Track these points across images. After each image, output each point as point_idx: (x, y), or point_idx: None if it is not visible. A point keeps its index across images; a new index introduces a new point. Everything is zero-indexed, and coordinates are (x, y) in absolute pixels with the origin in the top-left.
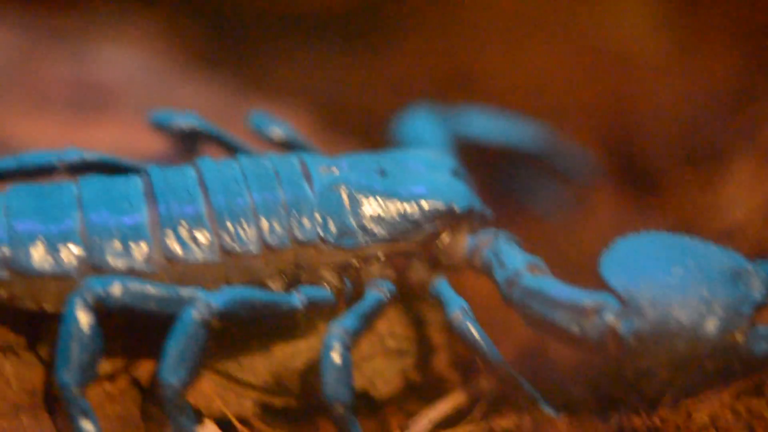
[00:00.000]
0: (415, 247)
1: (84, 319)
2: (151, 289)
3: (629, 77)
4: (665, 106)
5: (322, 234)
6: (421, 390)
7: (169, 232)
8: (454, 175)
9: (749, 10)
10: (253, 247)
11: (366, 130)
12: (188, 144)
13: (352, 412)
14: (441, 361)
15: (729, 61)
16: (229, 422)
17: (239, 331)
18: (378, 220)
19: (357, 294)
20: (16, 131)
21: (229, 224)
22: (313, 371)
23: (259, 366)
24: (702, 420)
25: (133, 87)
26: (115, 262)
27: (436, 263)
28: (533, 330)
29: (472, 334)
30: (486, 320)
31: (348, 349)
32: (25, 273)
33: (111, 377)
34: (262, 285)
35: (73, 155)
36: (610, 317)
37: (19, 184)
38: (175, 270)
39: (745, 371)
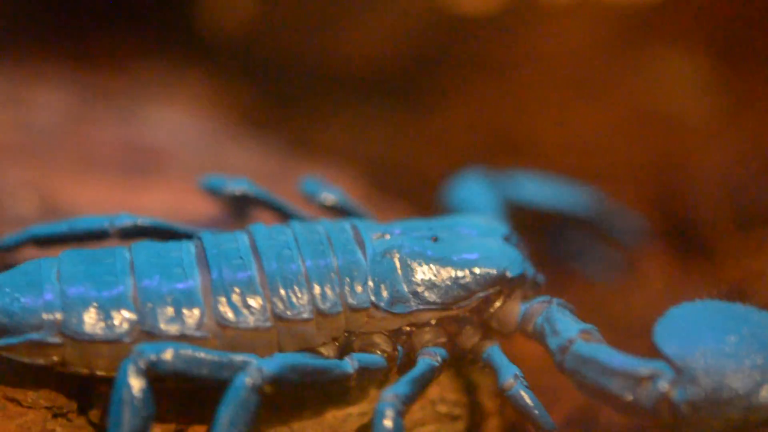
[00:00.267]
0: (467, 313)
1: (136, 384)
2: (203, 355)
3: (678, 140)
4: (715, 168)
5: (374, 300)
6: None
7: (222, 298)
8: (506, 241)
9: None
10: (306, 313)
11: (415, 192)
12: (239, 208)
13: None
14: (492, 427)
15: None
16: None
17: (291, 397)
18: (430, 286)
19: (409, 360)
20: (65, 194)
21: (281, 290)
22: None
23: (310, 431)
24: None
25: (182, 149)
26: (168, 327)
27: (488, 329)
28: (586, 396)
29: (525, 400)
30: (536, 385)
31: (400, 415)
32: (77, 338)
33: None
34: (315, 352)
35: (125, 220)
36: (664, 385)
37: (72, 248)
38: (227, 336)
39: None
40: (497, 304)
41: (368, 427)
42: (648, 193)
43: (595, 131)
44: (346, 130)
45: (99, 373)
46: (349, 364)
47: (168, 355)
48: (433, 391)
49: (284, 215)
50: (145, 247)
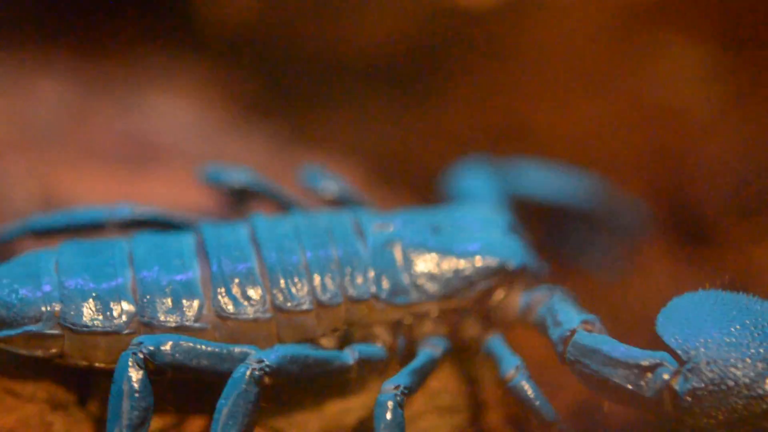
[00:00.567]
0: (468, 304)
1: (135, 376)
2: (202, 346)
3: (681, 130)
4: (717, 159)
5: (374, 291)
6: None
7: (221, 290)
8: (508, 232)
9: None
10: (306, 304)
11: (416, 182)
12: (239, 199)
13: None
14: (494, 419)
15: None
16: None
17: (291, 389)
18: (431, 277)
19: (410, 351)
20: (65, 185)
21: (281, 281)
22: (365, 429)
23: (311, 423)
24: None
25: (183, 140)
26: (167, 319)
27: (489, 320)
28: (588, 388)
29: (527, 392)
30: (538, 376)
31: (401, 406)
32: (76, 330)
33: None
34: (315, 343)
35: (124, 211)
36: (666, 375)
37: (70, 240)
38: (226, 327)
39: None
40: (498, 295)
41: (369, 419)
42: (651, 183)
43: (598, 122)
44: (348, 121)
45: (98, 365)
46: (350, 355)
47: (167, 346)
48: (435, 383)
49: (285, 206)
50: (144, 239)
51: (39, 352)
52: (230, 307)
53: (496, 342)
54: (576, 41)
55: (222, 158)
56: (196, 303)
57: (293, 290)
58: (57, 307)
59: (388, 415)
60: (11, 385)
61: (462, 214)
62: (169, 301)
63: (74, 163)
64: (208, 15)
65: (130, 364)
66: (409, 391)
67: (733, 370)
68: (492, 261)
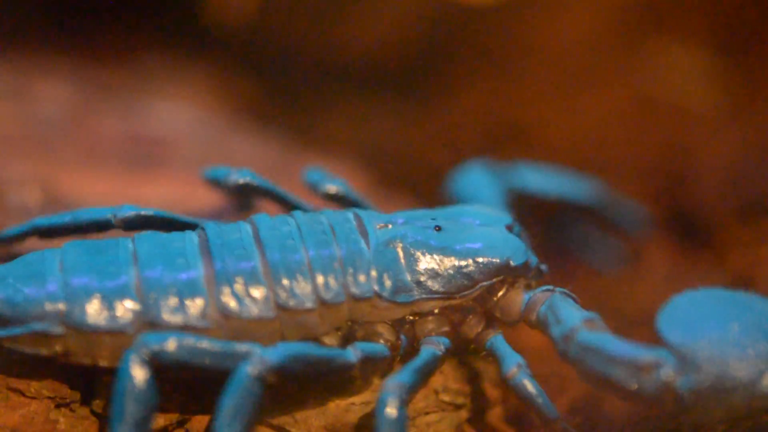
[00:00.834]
0: (470, 302)
1: (139, 374)
2: (206, 344)
3: (683, 130)
4: (719, 158)
5: (377, 289)
6: None
7: (225, 288)
8: (509, 231)
9: None
10: (309, 303)
11: (419, 183)
12: (242, 199)
13: None
14: (496, 416)
15: None
16: None
17: (294, 386)
18: (433, 275)
19: (412, 349)
20: (68, 186)
21: (284, 280)
22: (367, 426)
23: (314, 421)
24: None
25: (185, 142)
26: (171, 317)
27: (491, 318)
28: (589, 385)
29: (528, 389)
30: (540, 374)
31: (403, 404)
32: (80, 328)
33: None
34: (318, 341)
35: (129, 211)
36: (667, 373)
37: (75, 239)
38: (230, 325)
39: None
40: (500, 293)
41: (371, 417)
42: (652, 182)
43: (599, 121)
44: (350, 122)
45: (102, 363)
46: (353, 353)
47: (171, 345)
48: (437, 381)
49: (287, 206)
50: (148, 238)
51: (43, 351)
52: (234, 306)
53: (497, 340)
54: (578, 41)
55: (225, 159)
56: (199, 302)
57: (296, 289)
58: (61, 306)
59: (391, 413)
60: (16, 383)
61: (464, 213)
62: (173, 300)
63: (78, 165)
64: (211, 18)
65: (133, 362)
66: (412, 389)
67: (733, 368)
68: (494, 259)
